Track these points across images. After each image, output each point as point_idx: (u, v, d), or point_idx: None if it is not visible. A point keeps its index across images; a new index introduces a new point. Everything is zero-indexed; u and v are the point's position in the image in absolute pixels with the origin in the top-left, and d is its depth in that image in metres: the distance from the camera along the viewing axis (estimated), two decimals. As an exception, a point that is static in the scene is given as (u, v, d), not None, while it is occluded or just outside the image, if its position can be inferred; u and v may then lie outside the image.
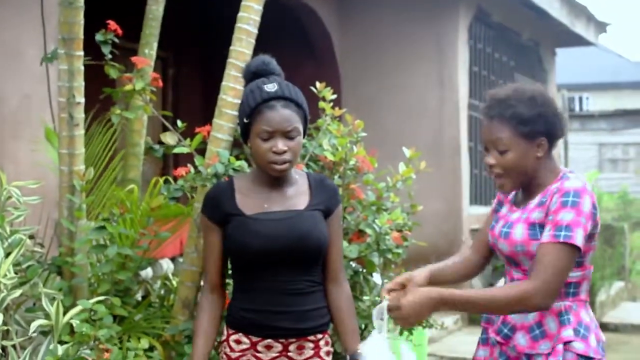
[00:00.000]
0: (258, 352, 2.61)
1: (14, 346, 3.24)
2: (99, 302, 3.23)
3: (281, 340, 2.60)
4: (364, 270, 3.62)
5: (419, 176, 3.87)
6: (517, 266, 2.62)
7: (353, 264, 3.60)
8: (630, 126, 21.85)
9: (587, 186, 2.53)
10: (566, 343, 2.52)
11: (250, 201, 2.63)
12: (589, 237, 2.55)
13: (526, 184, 2.64)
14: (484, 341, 2.77)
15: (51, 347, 3.13)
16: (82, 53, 3.36)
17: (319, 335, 2.67)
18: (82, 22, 3.34)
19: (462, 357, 6.91)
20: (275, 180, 2.65)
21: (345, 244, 3.50)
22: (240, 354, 2.62)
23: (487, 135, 2.60)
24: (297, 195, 2.67)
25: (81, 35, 3.34)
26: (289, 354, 2.61)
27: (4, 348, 3.24)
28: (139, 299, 3.83)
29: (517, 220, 2.60)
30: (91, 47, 3.43)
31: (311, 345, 2.64)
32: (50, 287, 3.44)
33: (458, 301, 2.47)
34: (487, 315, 2.75)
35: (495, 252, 2.74)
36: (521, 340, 2.58)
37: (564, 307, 2.56)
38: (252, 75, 2.71)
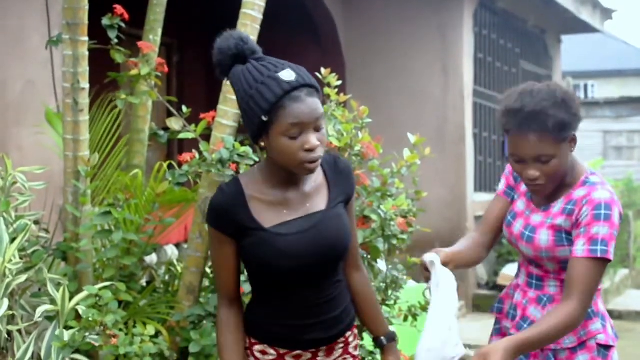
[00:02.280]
0: None
1: (19, 331, 3.25)
2: (104, 287, 3.24)
3: (311, 350, 2.40)
4: (369, 256, 3.62)
5: (423, 163, 3.87)
6: (538, 267, 2.60)
7: (358, 250, 3.61)
8: (636, 114, 21.77)
9: (615, 195, 2.49)
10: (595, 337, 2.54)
11: (266, 208, 2.30)
12: None
13: None
14: (497, 332, 2.76)
15: (57, 332, 3.15)
16: (86, 38, 3.35)
17: (348, 334, 2.47)
18: (87, 7, 3.33)
19: (466, 344, 6.93)
20: (291, 178, 2.32)
21: (350, 230, 3.50)
22: None
23: (526, 151, 2.43)
24: (316, 192, 2.36)
25: (86, 21, 3.34)
26: (318, 358, 2.42)
27: (9, 333, 3.26)
28: (144, 284, 3.84)
29: (541, 225, 2.55)
30: (94, 33, 3.43)
31: (341, 345, 2.45)
32: (55, 272, 3.45)
33: (523, 347, 2.39)
34: (498, 305, 2.74)
35: (513, 247, 2.71)
36: None
37: None
38: (233, 58, 2.31)
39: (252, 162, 3.44)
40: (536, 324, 2.46)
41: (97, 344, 3.13)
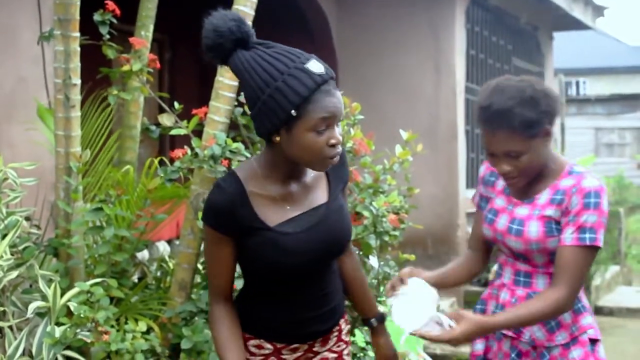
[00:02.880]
0: (282, 355, 2.37)
1: (10, 327, 3.24)
2: (96, 284, 3.24)
3: (309, 342, 2.38)
4: (361, 253, 3.62)
5: (415, 159, 3.88)
6: (526, 260, 2.59)
7: (350, 247, 3.61)
8: (627, 111, 21.85)
9: (603, 183, 2.51)
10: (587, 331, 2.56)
11: (268, 205, 2.23)
12: None
13: None
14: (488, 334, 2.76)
15: (48, 329, 3.14)
16: (78, 34, 3.34)
17: (341, 321, 2.47)
18: (78, 3, 3.33)
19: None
20: (294, 171, 2.26)
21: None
22: (262, 357, 2.37)
23: (496, 147, 2.48)
24: (317, 183, 2.32)
25: (77, 17, 3.33)
26: (314, 349, 2.41)
27: (0, 329, 3.25)
28: (136, 281, 3.84)
29: (529, 217, 2.54)
30: (85, 28, 3.42)
31: (335, 333, 2.44)
32: (46, 268, 3.44)
33: (500, 326, 2.48)
34: (481, 306, 2.72)
35: (497, 245, 2.68)
36: (538, 333, 2.56)
37: None
38: (235, 42, 2.18)
39: (243, 159, 3.44)
40: (520, 307, 2.49)
41: (88, 340, 3.12)
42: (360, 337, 3.75)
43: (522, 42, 10.36)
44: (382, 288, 3.69)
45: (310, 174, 2.31)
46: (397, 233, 3.68)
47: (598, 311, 9.33)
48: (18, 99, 4.57)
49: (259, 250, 2.23)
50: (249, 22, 3.49)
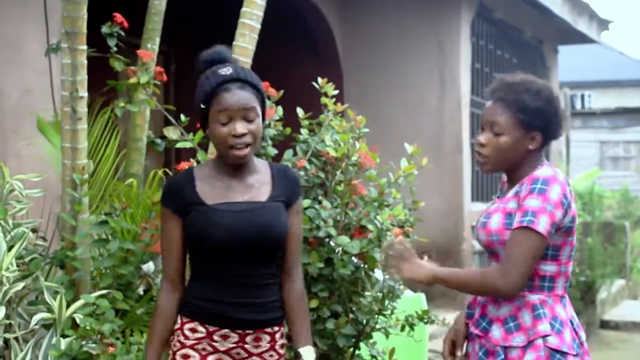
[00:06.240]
0: (214, 341, 2.55)
1: (16, 339, 3.25)
2: (101, 296, 3.24)
3: (238, 331, 2.55)
4: (366, 266, 3.62)
5: (420, 172, 3.87)
6: (494, 256, 2.65)
7: (354, 260, 3.60)
8: (632, 124, 21.82)
9: (559, 175, 2.56)
10: (543, 337, 2.53)
11: (211, 190, 2.56)
12: (565, 232, 2.58)
13: (510, 175, 2.68)
14: (469, 336, 2.78)
15: (54, 341, 3.14)
16: (85, 47, 3.36)
17: (275, 328, 2.62)
18: (86, 16, 3.34)
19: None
20: (237, 168, 2.59)
21: (346, 239, 3.50)
22: (195, 341, 2.56)
23: (487, 116, 2.65)
24: (259, 185, 2.61)
25: (84, 30, 3.35)
26: (246, 345, 2.56)
27: (6, 341, 3.26)
28: (141, 293, 3.84)
29: (495, 210, 2.64)
30: (92, 40, 3.44)
31: (267, 337, 2.59)
32: (52, 280, 3.45)
33: (443, 279, 2.60)
34: (469, 310, 2.76)
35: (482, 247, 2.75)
36: (495, 332, 2.60)
37: (539, 301, 2.57)
38: (207, 65, 2.63)
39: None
40: (465, 270, 2.65)
41: (94, 353, 3.13)
42: (365, 350, 3.75)
43: (527, 56, 10.37)
44: (386, 302, 3.69)
45: (255, 176, 2.61)
46: (402, 246, 3.67)
47: (604, 325, 9.30)
48: (24, 111, 4.59)
49: (193, 222, 2.54)
50: (255, 36, 3.51)
